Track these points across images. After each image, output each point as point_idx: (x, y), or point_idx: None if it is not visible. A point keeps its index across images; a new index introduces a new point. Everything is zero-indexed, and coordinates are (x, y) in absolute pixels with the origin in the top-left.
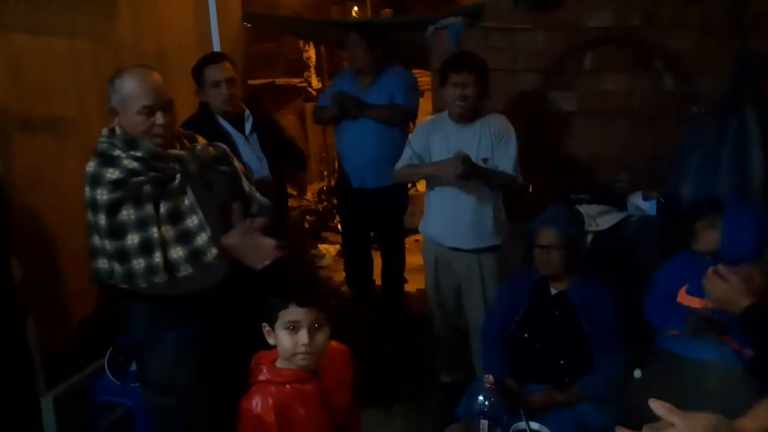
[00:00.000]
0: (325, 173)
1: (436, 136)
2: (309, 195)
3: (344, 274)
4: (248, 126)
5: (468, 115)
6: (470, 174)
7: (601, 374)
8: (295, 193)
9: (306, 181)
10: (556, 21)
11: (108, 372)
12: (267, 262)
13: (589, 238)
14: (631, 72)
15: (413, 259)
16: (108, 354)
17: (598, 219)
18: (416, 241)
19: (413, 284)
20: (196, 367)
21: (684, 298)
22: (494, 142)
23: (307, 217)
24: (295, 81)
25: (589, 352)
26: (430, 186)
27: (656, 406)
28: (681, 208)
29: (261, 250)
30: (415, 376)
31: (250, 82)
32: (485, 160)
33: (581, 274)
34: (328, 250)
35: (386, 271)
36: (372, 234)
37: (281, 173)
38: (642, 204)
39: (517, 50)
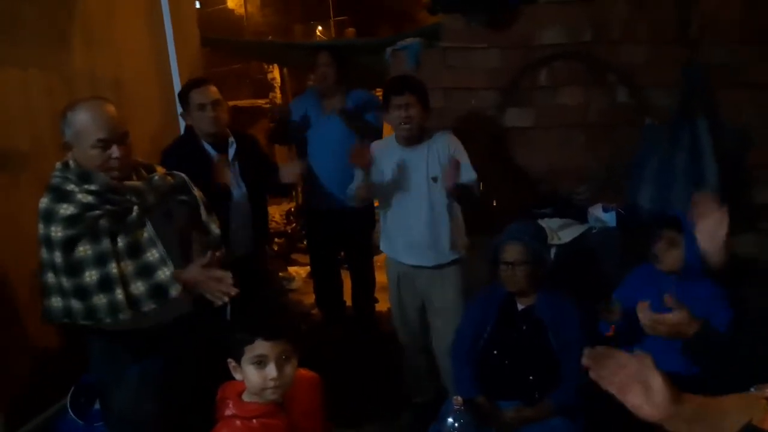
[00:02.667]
0: (294, 193)
1: (385, 159)
2: (277, 217)
3: (314, 297)
4: (231, 152)
5: (414, 137)
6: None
7: (569, 387)
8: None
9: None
10: (511, 39)
11: (71, 412)
12: (226, 299)
13: (552, 251)
14: (585, 86)
15: (384, 277)
16: (70, 393)
17: (560, 232)
18: None
19: (384, 303)
20: (161, 401)
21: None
22: (444, 161)
23: (276, 239)
24: (261, 102)
25: (557, 367)
26: (384, 205)
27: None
28: (640, 218)
29: (221, 285)
30: (387, 396)
31: None
32: (435, 179)
33: (547, 289)
34: (298, 272)
35: (356, 292)
36: (341, 254)
37: (263, 198)
38: (602, 216)
39: (475, 69)
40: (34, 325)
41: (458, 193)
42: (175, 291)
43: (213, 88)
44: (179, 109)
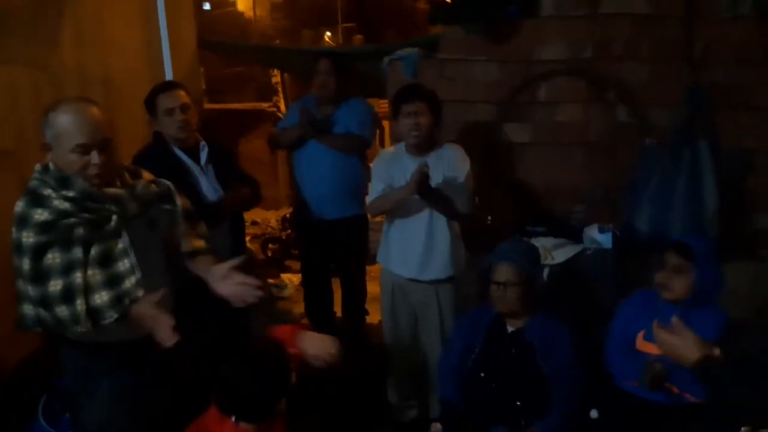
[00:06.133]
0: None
1: (394, 170)
2: (273, 222)
3: (304, 306)
4: (203, 156)
5: (424, 145)
6: (426, 189)
7: (558, 415)
8: (258, 220)
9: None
10: (511, 53)
11: (42, 419)
12: (169, 344)
13: (545, 271)
14: (585, 103)
15: (376, 288)
16: (43, 400)
17: (554, 252)
18: None
19: (375, 315)
20: (134, 414)
21: (642, 344)
22: (446, 172)
23: (270, 245)
24: (264, 105)
25: (546, 393)
26: (388, 217)
27: None
28: (637, 241)
29: (163, 330)
30: (372, 413)
31: (217, 107)
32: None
33: (538, 311)
34: (291, 279)
35: (346, 303)
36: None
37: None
38: (597, 236)
39: (473, 81)
40: (10, 329)
41: (431, 201)
42: (135, 296)
43: (181, 92)
44: None
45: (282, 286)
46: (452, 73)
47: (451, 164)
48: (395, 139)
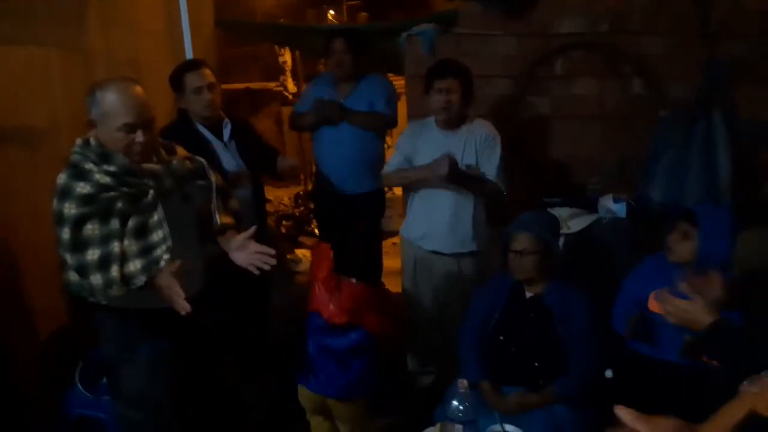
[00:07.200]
0: (303, 177)
1: (421, 142)
2: (286, 199)
3: None
4: (227, 132)
5: (453, 122)
6: (455, 177)
7: (574, 376)
8: (271, 198)
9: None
10: (528, 27)
11: (79, 385)
12: (183, 314)
13: (561, 240)
14: (601, 77)
15: (391, 262)
16: (80, 366)
17: (570, 221)
18: (393, 244)
19: (390, 288)
20: (169, 382)
21: (654, 305)
22: (479, 149)
23: (284, 222)
24: (271, 85)
25: (563, 355)
26: (413, 189)
27: (622, 413)
28: (651, 210)
29: (177, 300)
30: (393, 379)
31: (225, 86)
32: (469, 167)
33: (556, 278)
34: (305, 254)
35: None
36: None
37: (259, 180)
38: (612, 206)
39: (490, 56)
40: (49, 298)
41: (463, 183)
42: (163, 262)
43: (207, 71)
44: None
45: (297, 261)
46: (470, 48)
47: (483, 140)
48: (412, 116)
